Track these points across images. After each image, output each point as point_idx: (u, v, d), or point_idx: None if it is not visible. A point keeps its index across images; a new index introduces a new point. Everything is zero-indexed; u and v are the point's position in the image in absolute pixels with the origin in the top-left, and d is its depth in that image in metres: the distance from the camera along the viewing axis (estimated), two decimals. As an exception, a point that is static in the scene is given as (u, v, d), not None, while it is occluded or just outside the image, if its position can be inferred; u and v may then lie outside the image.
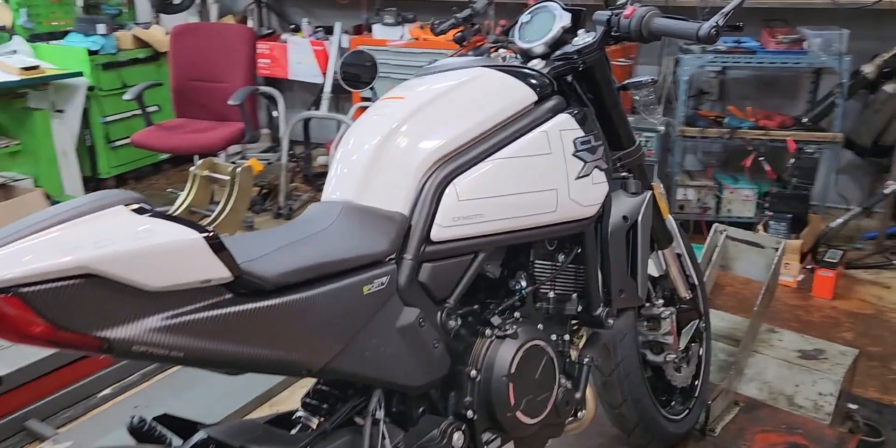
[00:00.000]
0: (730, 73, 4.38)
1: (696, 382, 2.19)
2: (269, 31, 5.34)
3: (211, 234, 0.93)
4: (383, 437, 1.18)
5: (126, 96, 4.03)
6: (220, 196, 3.58)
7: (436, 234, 1.25)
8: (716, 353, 2.61)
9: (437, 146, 1.28)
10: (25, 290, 0.81)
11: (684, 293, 1.99)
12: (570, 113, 1.43)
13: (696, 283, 2.12)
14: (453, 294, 1.30)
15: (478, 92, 1.38)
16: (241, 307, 0.98)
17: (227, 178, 3.44)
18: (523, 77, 1.42)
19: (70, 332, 0.85)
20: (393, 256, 1.22)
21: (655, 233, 1.88)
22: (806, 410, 2.39)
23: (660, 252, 1.92)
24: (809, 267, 3.69)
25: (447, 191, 1.26)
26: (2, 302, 0.80)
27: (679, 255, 1.98)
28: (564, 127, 1.40)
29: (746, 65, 3.87)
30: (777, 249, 2.44)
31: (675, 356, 1.97)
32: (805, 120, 3.94)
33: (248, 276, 0.98)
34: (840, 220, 3.78)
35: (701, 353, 2.20)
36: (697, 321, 2.07)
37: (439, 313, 1.28)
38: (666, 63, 4.06)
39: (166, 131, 4.06)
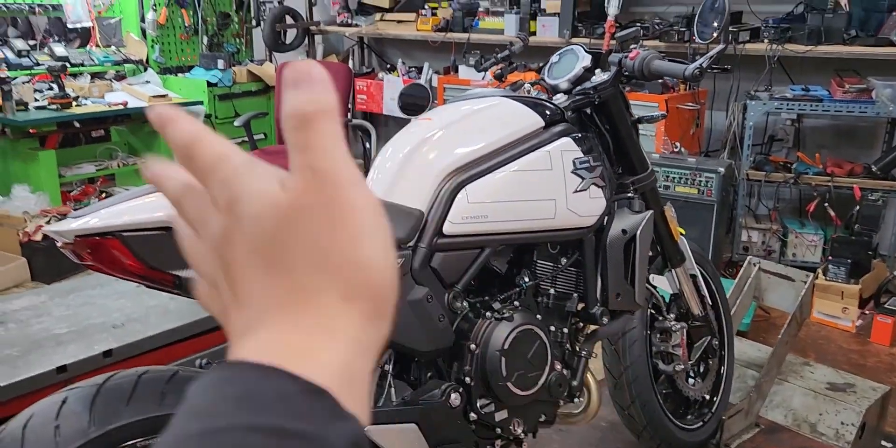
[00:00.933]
0: (806, 121, 4.47)
1: (715, 398, 2.35)
2: (369, 69, 5.82)
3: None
4: (390, 387, 1.46)
5: (235, 123, 4.54)
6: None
7: (447, 229, 1.53)
8: (746, 379, 2.74)
9: (455, 158, 1.57)
10: (126, 235, 1.15)
11: (697, 311, 2.18)
12: (573, 137, 1.70)
13: (716, 304, 2.30)
14: (461, 281, 1.57)
15: (493, 116, 1.67)
16: None
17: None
18: (534, 106, 1.70)
19: (154, 269, 1.18)
20: (411, 244, 1.51)
21: (667, 252, 2.09)
22: (827, 438, 2.49)
23: (673, 271, 2.13)
24: (869, 313, 3.72)
25: (459, 194, 1.54)
26: (108, 243, 1.15)
27: (693, 277, 2.17)
28: (565, 148, 1.67)
29: (812, 112, 3.99)
30: (805, 283, 2.58)
31: (683, 367, 2.15)
32: (874, 169, 4.00)
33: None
34: (904, 268, 3.81)
35: (723, 371, 2.37)
36: (709, 338, 2.24)
37: (447, 295, 1.55)
38: (733, 108, 4.22)
39: (266, 155, 4.53)
